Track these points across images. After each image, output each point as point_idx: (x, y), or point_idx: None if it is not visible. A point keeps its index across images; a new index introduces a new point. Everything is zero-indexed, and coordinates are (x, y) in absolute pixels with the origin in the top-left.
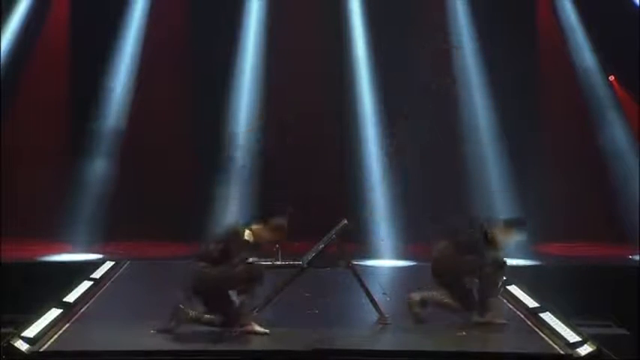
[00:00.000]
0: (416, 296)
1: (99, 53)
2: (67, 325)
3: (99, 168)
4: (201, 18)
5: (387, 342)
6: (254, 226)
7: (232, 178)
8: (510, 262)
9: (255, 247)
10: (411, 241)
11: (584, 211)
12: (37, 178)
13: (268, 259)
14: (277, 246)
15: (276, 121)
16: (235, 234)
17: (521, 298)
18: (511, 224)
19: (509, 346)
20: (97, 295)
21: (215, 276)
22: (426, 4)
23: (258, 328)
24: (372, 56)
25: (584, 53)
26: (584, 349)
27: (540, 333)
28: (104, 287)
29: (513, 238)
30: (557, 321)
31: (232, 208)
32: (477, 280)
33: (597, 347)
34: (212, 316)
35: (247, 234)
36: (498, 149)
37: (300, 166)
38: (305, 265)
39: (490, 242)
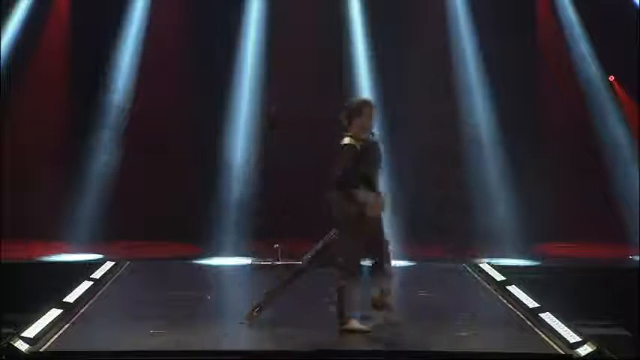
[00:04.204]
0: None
1: (99, 52)
2: (67, 325)
3: (99, 167)
4: (201, 18)
5: (387, 342)
6: None
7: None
8: (511, 262)
9: None
10: (410, 241)
11: (584, 211)
12: (37, 178)
13: (268, 259)
14: (277, 246)
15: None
16: None
17: (521, 298)
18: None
19: (509, 346)
20: (97, 295)
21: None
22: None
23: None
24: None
25: (584, 53)
26: (584, 349)
27: (540, 333)
28: (104, 287)
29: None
30: (557, 321)
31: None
32: None
33: (597, 347)
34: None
35: None
36: (497, 148)
37: (299, 166)
38: (305, 265)
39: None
